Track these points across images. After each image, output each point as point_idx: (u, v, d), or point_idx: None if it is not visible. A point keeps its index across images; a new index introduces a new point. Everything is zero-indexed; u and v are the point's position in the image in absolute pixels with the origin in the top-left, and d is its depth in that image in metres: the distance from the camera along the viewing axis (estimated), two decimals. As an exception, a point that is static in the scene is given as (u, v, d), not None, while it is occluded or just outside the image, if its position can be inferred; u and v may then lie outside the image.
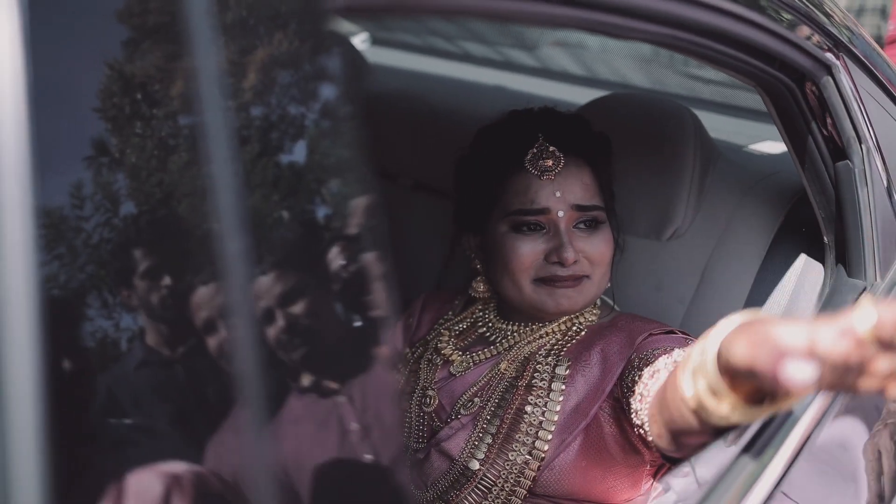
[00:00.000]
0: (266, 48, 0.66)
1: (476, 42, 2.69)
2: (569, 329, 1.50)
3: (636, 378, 1.29)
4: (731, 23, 1.18)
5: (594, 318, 1.51)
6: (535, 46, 2.58)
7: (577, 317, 1.50)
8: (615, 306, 1.58)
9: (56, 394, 0.51)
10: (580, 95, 2.24)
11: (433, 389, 1.52)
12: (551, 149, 1.44)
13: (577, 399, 1.40)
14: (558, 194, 1.42)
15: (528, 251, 1.44)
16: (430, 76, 2.61)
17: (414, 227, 2.01)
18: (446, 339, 1.57)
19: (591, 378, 1.41)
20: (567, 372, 1.42)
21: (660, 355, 1.28)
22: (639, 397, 1.25)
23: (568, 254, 1.41)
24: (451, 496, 1.42)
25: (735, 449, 1.06)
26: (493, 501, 1.39)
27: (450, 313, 1.64)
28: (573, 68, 2.56)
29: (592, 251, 1.44)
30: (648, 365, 1.28)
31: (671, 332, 1.42)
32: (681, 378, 0.99)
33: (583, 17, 1.00)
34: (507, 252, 1.45)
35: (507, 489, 1.39)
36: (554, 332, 1.50)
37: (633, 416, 1.27)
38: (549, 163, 1.43)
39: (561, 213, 1.42)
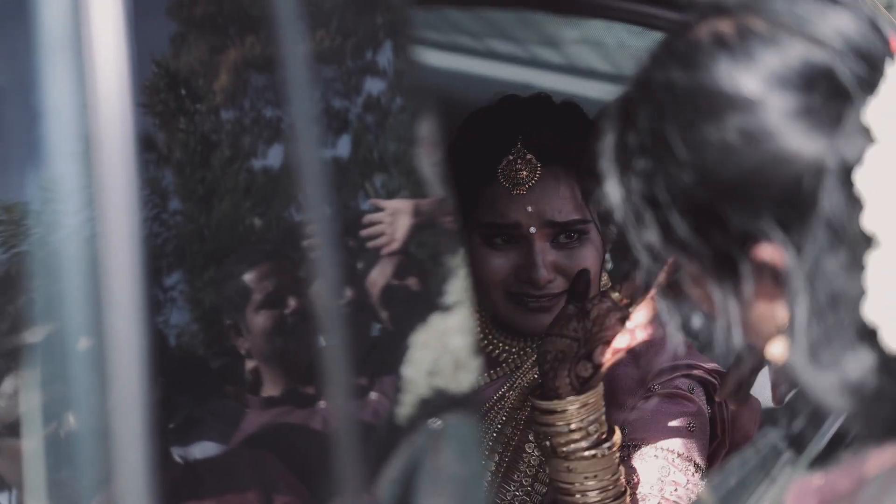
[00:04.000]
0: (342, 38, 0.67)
1: (501, 39, 2.69)
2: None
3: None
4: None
5: None
6: (560, 43, 2.58)
7: None
8: None
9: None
10: (606, 93, 2.23)
11: None
12: (528, 156, 1.31)
13: None
14: (530, 209, 1.30)
15: (499, 267, 1.33)
16: (454, 73, 2.61)
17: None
18: None
19: None
20: None
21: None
22: None
23: (538, 274, 1.29)
24: None
25: None
26: None
27: None
28: (599, 65, 2.56)
29: (571, 267, 1.31)
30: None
31: (686, 367, 1.34)
32: None
33: (627, 8, 1.00)
34: (479, 265, 1.33)
35: None
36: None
37: None
38: (524, 174, 1.30)
39: (533, 230, 1.30)
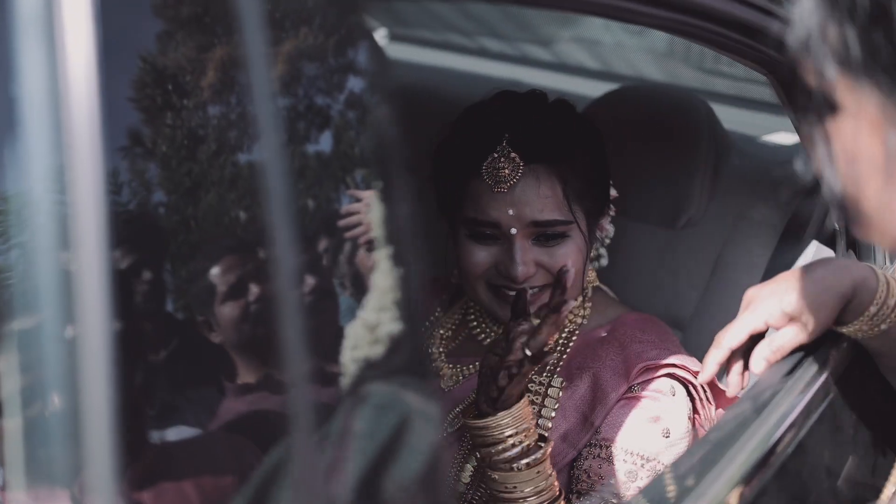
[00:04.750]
0: (300, 40, 0.69)
1: (492, 37, 2.72)
2: (559, 338, 1.41)
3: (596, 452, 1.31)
4: (742, 9, 1.21)
5: (582, 319, 1.43)
6: (551, 41, 2.61)
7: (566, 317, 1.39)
8: (608, 293, 1.51)
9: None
10: (596, 89, 2.26)
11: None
12: (512, 155, 1.30)
13: (566, 427, 1.34)
14: (511, 211, 1.30)
15: (481, 260, 1.34)
16: (446, 71, 2.64)
17: (430, 216, 2.04)
18: (437, 345, 1.49)
19: (581, 405, 1.34)
20: (559, 395, 1.35)
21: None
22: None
23: (516, 272, 1.30)
24: None
25: None
26: None
27: (438, 310, 1.54)
28: (589, 63, 2.59)
29: (553, 263, 1.32)
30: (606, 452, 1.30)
31: (671, 366, 1.34)
32: None
33: (599, 2, 1.02)
34: (462, 256, 1.36)
35: None
36: None
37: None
38: (506, 172, 1.29)
39: (513, 231, 1.31)
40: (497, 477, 1.23)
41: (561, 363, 1.40)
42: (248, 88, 0.64)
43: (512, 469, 1.22)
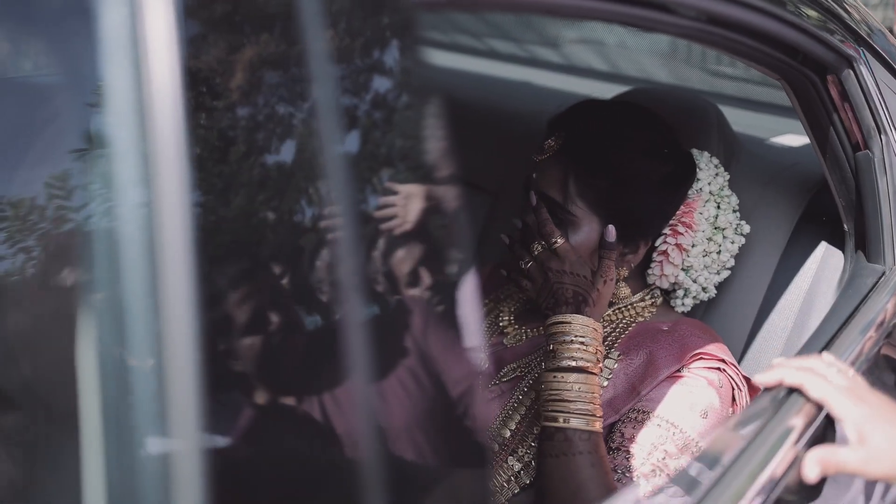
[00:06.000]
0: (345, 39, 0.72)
1: (502, 39, 2.74)
2: (620, 320, 1.52)
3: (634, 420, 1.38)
4: (757, 17, 1.23)
5: (649, 315, 1.53)
6: (560, 43, 2.63)
7: (628, 308, 1.52)
8: (680, 311, 1.59)
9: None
10: (604, 91, 2.29)
11: (484, 352, 1.55)
12: (561, 140, 1.46)
13: (614, 393, 1.41)
14: (534, 175, 1.48)
15: (527, 208, 1.49)
16: (457, 72, 2.66)
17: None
18: (508, 307, 1.61)
19: (632, 376, 1.42)
20: (615, 366, 1.43)
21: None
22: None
23: (521, 221, 1.47)
24: None
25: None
26: (524, 470, 1.40)
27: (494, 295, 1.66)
28: (597, 64, 2.60)
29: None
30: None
31: (723, 362, 1.42)
32: None
33: (613, 10, 1.05)
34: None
35: (533, 463, 1.38)
36: (606, 319, 1.51)
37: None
38: (545, 146, 1.48)
39: (533, 194, 1.47)
40: (556, 377, 1.34)
41: (620, 340, 1.49)
42: (311, 85, 0.66)
43: (571, 366, 1.34)
